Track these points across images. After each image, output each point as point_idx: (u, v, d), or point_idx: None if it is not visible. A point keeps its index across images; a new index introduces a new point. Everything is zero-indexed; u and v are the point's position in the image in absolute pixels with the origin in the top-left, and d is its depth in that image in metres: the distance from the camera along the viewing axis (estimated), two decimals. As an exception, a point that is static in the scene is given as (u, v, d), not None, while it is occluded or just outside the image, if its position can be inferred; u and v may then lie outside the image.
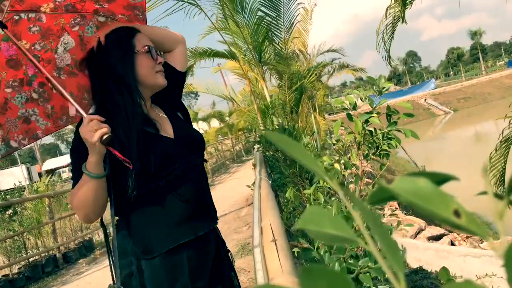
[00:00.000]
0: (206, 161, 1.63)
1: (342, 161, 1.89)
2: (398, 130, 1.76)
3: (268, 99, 7.45)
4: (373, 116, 1.76)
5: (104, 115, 1.36)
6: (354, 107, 1.79)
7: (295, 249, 1.72)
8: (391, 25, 6.00)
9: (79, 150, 1.39)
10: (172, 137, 1.53)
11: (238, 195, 10.30)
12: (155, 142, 1.46)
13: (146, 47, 1.53)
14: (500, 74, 57.93)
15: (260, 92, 8.55)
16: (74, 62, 1.89)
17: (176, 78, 1.70)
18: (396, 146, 1.77)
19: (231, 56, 7.88)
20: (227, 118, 26.86)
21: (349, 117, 1.78)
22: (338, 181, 1.60)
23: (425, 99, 52.96)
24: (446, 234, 6.02)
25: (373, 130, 1.81)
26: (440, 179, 0.30)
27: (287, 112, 7.36)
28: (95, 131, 1.28)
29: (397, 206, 7.57)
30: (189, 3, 6.12)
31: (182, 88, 1.82)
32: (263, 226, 1.22)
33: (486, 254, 4.60)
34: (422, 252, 5.43)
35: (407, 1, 5.82)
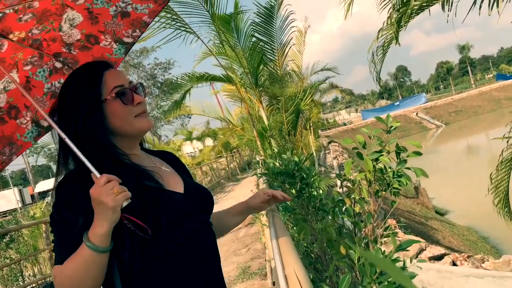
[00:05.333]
0: (212, 223, 1.36)
1: (353, 197, 1.93)
2: (408, 168, 1.81)
3: (266, 122, 7.52)
4: (383, 155, 1.81)
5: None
6: (364, 146, 1.84)
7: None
8: (381, 48, 6.10)
9: (68, 216, 1.11)
10: (182, 192, 1.29)
11: (235, 216, 10.20)
12: (162, 197, 1.20)
13: (116, 91, 1.22)
14: (490, 87, 58.84)
15: (257, 115, 8.62)
16: (8, 106, 1.61)
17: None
18: (406, 184, 1.82)
19: (227, 80, 7.98)
20: (221, 137, 27.00)
21: (360, 156, 1.83)
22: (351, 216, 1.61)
23: (417, 113, 53.58)
24: (448, 254, 6.03)
25: (383, 168, 1.86)
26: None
27: (285, 134, 7.43)
28: (118, 193, 1.04)
29: (396, 225, 7.60)
30: (186, 31, 6.26)
31: None
32: (287, 275, 1.22)
33: (489, 275, 4.61)
34: (424, 272, 5.43)
35: (401, 24, 5.93)
